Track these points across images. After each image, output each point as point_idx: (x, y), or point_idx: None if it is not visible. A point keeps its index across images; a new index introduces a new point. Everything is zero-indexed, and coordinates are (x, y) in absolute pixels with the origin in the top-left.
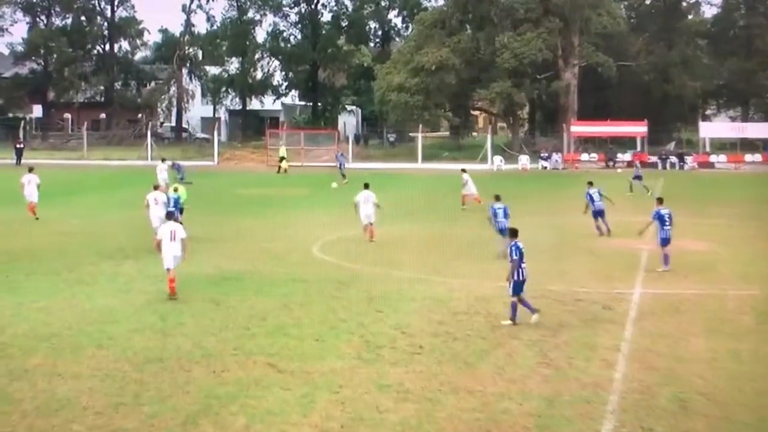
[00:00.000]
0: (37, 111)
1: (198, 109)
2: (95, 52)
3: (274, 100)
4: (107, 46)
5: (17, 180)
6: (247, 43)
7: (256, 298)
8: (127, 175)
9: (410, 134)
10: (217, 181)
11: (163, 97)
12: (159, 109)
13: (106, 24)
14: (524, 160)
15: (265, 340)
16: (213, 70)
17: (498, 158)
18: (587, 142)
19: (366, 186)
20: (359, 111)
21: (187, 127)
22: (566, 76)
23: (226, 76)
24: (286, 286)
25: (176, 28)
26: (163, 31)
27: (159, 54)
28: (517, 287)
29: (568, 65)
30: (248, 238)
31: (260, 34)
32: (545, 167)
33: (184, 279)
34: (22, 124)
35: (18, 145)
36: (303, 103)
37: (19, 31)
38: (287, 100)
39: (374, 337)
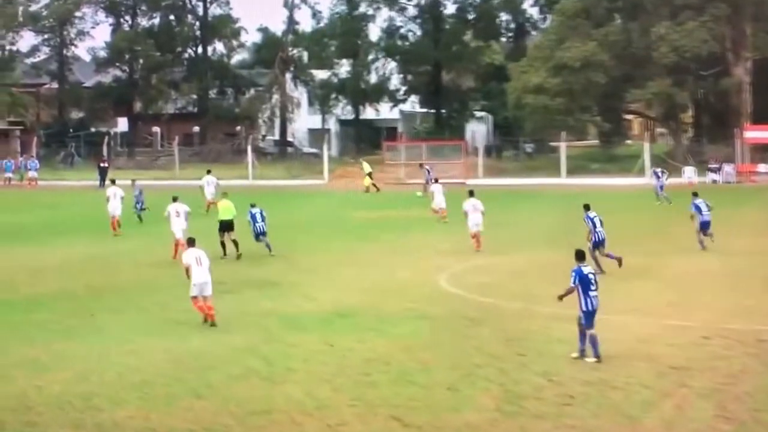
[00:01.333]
0: (123, 124)
1: (304, 120)
2: (186, 55)
3: (392, 108)
4: (200, 49)
5: (101, 205)
6: (359, 42)
7: (377, 339)
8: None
9: (551, 144)
10: (328, 202)
11: (264, 106)
12: (260, 121)
13: (198, 24)
14: (689, 172)
15: (388, 389)
16: (320, 74)
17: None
18: (766, 151)
19: (471, 193)
20: (490, 118)
21: (292, 140)
22: (737, 72)
23: (335, 80)
24: (410, 324)
25: (278, 27)
26: (263, 30)
27: (259, 57)
28: (588, 318)
29: (739, 59)
30: (365, 268)
31: (374, 32)
32: (715, 180)
33: (292, 316)
34: (105, 140)
35: (101, 164)
36: (424, 110)
37: (101, 34)
38: (406, 107)
39: (516, 386)
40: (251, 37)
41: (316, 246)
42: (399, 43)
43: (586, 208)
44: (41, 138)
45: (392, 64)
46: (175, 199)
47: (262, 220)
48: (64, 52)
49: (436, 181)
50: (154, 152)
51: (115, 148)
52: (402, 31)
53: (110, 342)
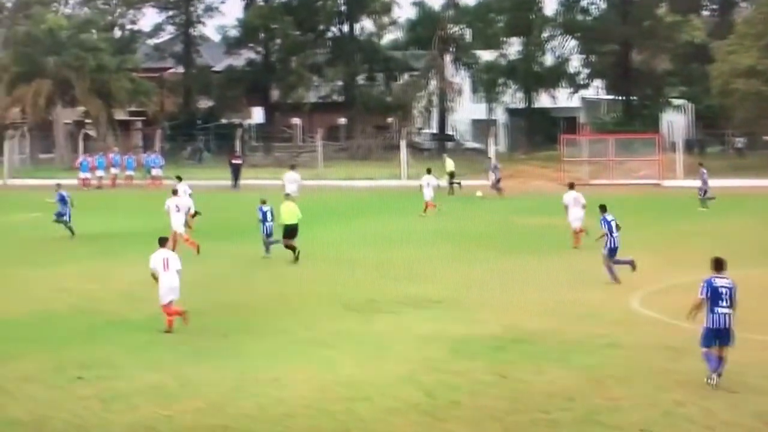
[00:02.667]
0: (257, 115)
1: (467, 110)
2: (330, 35)
3: (571, 95)
4: (345, 27)
5: (233, 209)
6: (532, 17)
7: (558, 370)
8: (377, 200)
9: (766, 138)
10: (493, 205)
11: (419, 93)
12: (415, 111)
13: None
14: None
15: (571, 430)
16: (486, 55)
17: None
18: None
19: (571, 186)
20: (690, 106)
21: (452, 133)
22: None
23: (503, 63)
24: (597, 354)
25: (435, 1)
26: (419, 5)
27: (413, 36)
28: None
29: None
30: (541, 285)
31: (549, 5)
32: None
33: (457, 340)
34: (238, 133)
35: (234, 161)
36: (610, 97)
37: (232, 10)
38: (589, 93)
39: (728, 429)
40: (405, 12)
41: (480, 257)
42: (580, 17)
43: (602, 209)
44: (165, 130)
45: (572, 43)
46: (174, 193)
47: (272, 220)
48: (191, 31)
49: (429, 171)
50: (294, 147)
51: (249, 143)
52: (583, 3)
53: (247, 368)
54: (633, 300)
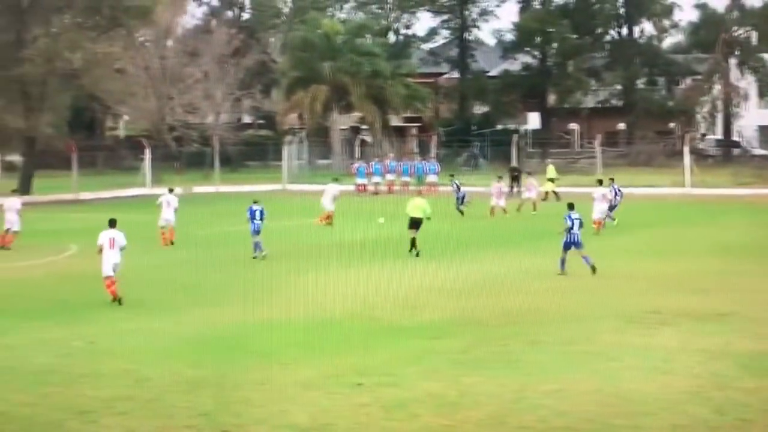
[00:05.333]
0: (534, 120)
1: (753, 115)
2: (608, 38)
3: None
4: (624, 30)
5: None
6: None
7: None
8: (657, 208)
9: None
10: None
11: (703, 98)
12: (698, 116)
13: None
14: None
15: None
16: None
17: None
18: None
19: (600, 182)
20: None
21: (738, 140)
22: None
23: None
24: None
25: (719, 2)
26: (701, 7)
27: (696, 39)
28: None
29: None
30: None
31: None
32: None
33: (749, 356)
34: (514, 140)
35: (513, 166)
36: None
37: (508, 14)
38: None
39: None
40: (686, 15)
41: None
42: None
43: (570, 207)
44: (441, 136)
45: None
46: (171, 191)
47: (261, 219)
48: (466, 35)
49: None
50: (572, 153)
51: (525, 149)
52: None
53: (527, 378)
54: None
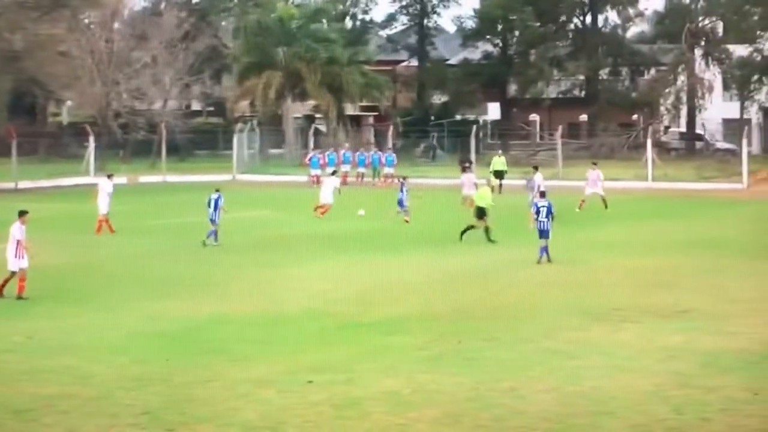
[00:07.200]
0: (494, 111)
1: (718, 108)
2: (572, 26)
3: None
4: (588, 19)
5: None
6: None
7: None
8: (618, 202)
9: None
10: (746, 212)
11: (667, 90)
12: (662, 108)
13: None
14: None
15: None
16: (740, 50)
17: None
18: None
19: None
20: None
21: (702, 133)
22: None
23: (758, 58)
24: None
25: None
26: None
27: (661, 29)
28: None
29: None
30: None
31: None
32: None
33: (709, 354)
34: (473, 130)
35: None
36: None
37: (469, 0)
38: None
39: None
40: (652, 3)
41: (732, 268)
42: None
43: (542, 195)
44: (398, 126)
45: None
46: (109, 177)
47: (215, 209)
48: (425, 22)
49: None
50: (532, 145)
51: (484, 140)
52: None
53: (484, 376)
54: None
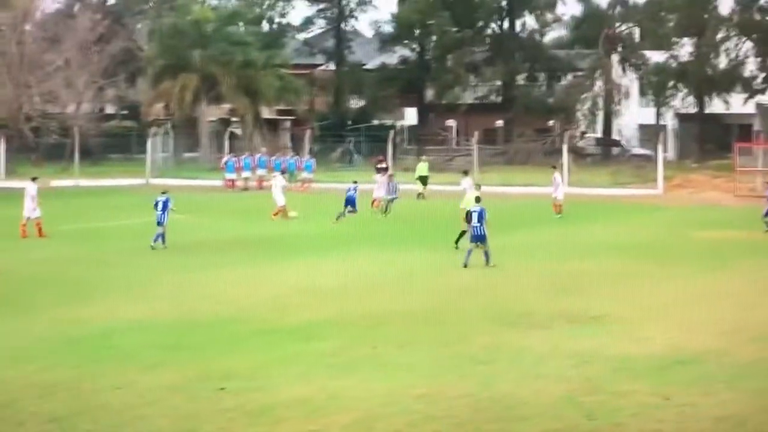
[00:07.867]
0: (411, 116)
1: (634, 114)
2: (489, 32)
3: (746, 100)
4: (506, 24)
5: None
6: (706, 16)
7: (726, 393)
8: (535, 208)
9: None
10: (661, 217)
11: (584, 96)
12: (579, 114)
13: None
14: None
15: None
16: (656, 56)
17: None
18: None
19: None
20: None
21: (618, 138)
22: None
23: (674, 64)
24: None
25: None
26: (584, 1)
27: (579, 34)
28: None
29: None
30: (713, 303)
31: (725, 3)
32: None
33: (619, 360)
34: (390, 135)
35: (380, 165)
36: None
37: (386, 4)
38: (765, 99)
39: None
40: (570, 9)
41: (646, 273)
42: (757, 17)
43: (477, 200)
44: (315, 131)
45: (747, 45)
46: (34, 179)
47: (163, 210)
48: (343, 26)
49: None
50: (449, 151)
51: (401, 145)
52: (762, 2)
53: (397, 382)
54: None
